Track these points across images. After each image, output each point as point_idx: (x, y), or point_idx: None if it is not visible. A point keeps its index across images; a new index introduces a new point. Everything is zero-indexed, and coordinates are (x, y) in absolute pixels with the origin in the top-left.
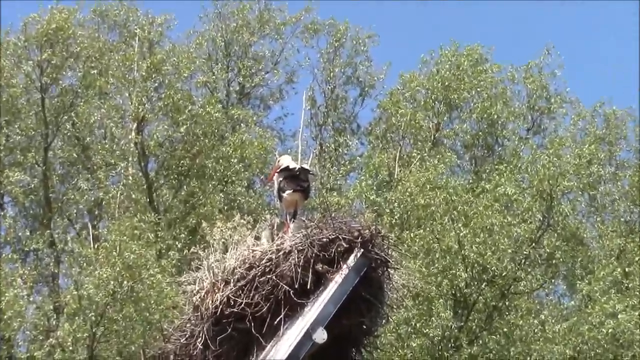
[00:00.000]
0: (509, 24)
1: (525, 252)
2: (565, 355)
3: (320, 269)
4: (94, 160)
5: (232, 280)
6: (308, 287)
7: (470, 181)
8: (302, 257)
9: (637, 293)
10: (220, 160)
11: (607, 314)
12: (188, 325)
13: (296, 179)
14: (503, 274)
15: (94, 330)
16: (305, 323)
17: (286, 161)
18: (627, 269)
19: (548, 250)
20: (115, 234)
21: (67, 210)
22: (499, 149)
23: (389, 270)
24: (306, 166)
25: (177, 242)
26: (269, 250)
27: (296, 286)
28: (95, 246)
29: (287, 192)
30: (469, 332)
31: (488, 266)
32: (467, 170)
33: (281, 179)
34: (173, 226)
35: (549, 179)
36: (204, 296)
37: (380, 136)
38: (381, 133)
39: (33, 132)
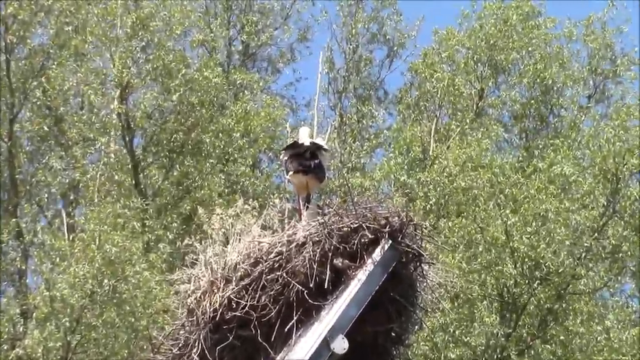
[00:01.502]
0: None
1: (586, 244)
2: None
3: (340, 264)
4: (68, 135)
5: (234, 278)
6: (325, 286)
7: (520, 159)
8: (318, 250)
9: None
10: (220, 135)
11: None
12: (181, 332)
13: (300, 157)
14: (559, 271)
15: (68, 339)
16: (322, 330)
17: (304, 135)
18: None
19: (613, 241)
20: (94, 222)
21: (36, 195)
22: (555, 120)
23: (422, 265)
24: (321, 141)
25: (168, 233)
26: (279, 242)
27: (311, 285)
28: (71, 237)
29: (290, 173)
30: (519, 340)
31: (541, 261)
32: (517, 145)
33: (286, 157)
34: (163, 213)
35: (614, 156)
36: (200, 297)
37: (412, 105)
38: (413, 101)
39: None
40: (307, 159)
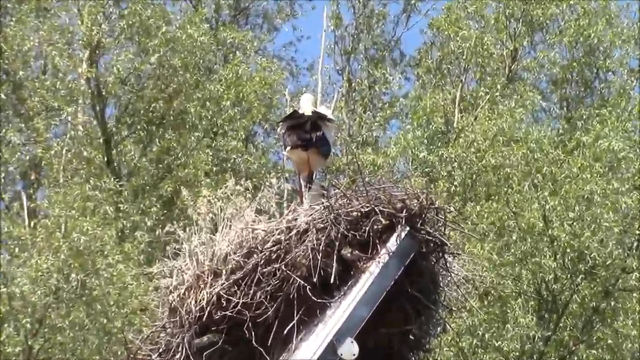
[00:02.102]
0: None
1: (638, 232)
2: None
3: (348, 255)
4: (29, 104)
5: (224, 272)
6: (331, 281)
7: (561, 132)
8: (322, 238)
9: None
10: (207, 103)
11: None
12: (162, 335)
13: (300, 129)
14: (607, 263)
15: (29, 343)
16: (328, 332)
17: (305, 104)
18: None
19: None
20: (59, 206)
21: None
22: (601, 85)
23: (445, 257)
24: (325, 110)
25: (146, 219)
26: (276, 229)
27: (314, 280)
28: (32, 224)
29: (288, 148)
30: (560, 344)
31: (586, 252)
32: (556, 116)
33: (284, 130)
34: (141, 196)
35: None
36: (184, 294)
37: (432, 69)
38: (434, 65)
39: None
40: (307, 132)
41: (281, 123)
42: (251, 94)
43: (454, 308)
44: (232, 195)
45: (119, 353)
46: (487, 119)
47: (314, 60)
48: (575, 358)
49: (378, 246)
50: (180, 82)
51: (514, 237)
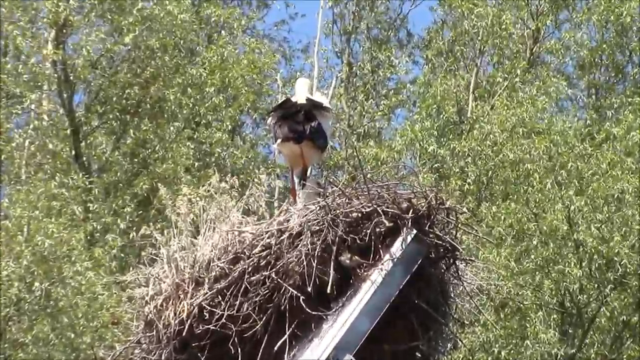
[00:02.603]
0: None
1: None
2: None
3: (347, 261)
4: None
5: (206, 280)
6: (328, 290)
7: (588, 123)
8: (318, 242)
9: None
10: (189, 90)
11: None
12: (137, 351)
13: (292, 120)
14: (639, 272)
15: None
16: (324, 348)
17: (301, 89)
18: None
19: None
20: (21, 206)
21: None
22: (634, 71)
23: (457, 263)
24: (321, 98)
25: (119, 220)
26: (266, 232)
27: (309, 289)
28: None
29: (278, 141)
30: None
31: (615, 259)
32: (583, 105)
33: (274, 121)
34: (113, 194)
35: None
36: (162, 305)
37: (444, 51)
38: (446, 46)
39: None
40: (300, 122)
41: (272, 113)
42: (238, 79)
43: (466, 322)
44: (216, 193)
45: None
46: (505, 108)
47: (310, 41)
48: None
49: (381, 251)
50: (158, 66)
51: (535, 242)
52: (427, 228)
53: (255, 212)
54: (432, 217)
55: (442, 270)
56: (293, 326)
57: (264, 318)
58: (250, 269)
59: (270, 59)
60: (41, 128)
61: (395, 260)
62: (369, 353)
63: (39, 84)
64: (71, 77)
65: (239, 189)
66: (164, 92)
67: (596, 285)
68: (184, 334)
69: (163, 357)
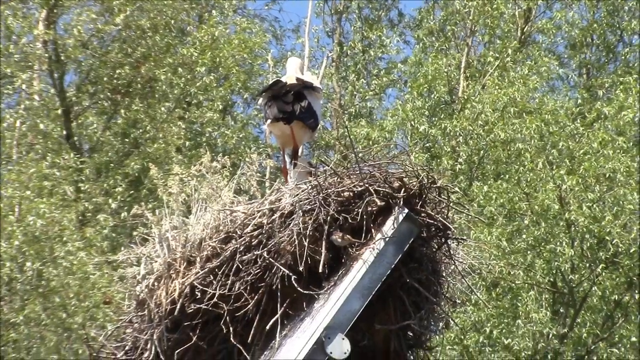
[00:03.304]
0: None
1: None
2: None
3: (339, 240)
4: None
5: (198, 259)
6: (320, 270)
7: (580, 102)
8: (310, 221)
9: None
10: (180, 70)
11: None
12: (129, 331)
13: (281, 100)
14: (631, 251)
15: None
16: (316, 328)
17: (292, 69)
18: None
19: None
20: (12, 186)
21: None
22: (625, 50)
23: (449, 243)
24: (311, 77)
25: (110, 200)
26: (258, 212)
27: (301, 269)
28: None
29: (268, 122)
30: (577, 342)
31: (607, 238)
32: (575, 84)
33: (264, 101)
34: (104, 174)
35: None
36: (154, 285)
37: (435, 31)
38: (437, 26)
39: None
40: (289, 103)
41: (263, 93)
42: (229, 59)
43: (458, 301)
44: (207, 173)
45: (80, 352)
46: (497, 87)
47: (301, 20)
48: (595, 358)
49: (372, 231)
50: (149, 46)
51: (526, 221)
52: (418, 207)
53: (247, 191)
54: (423, 196)
55: (434, 250)
56: (285, 305)
57: (256, 297)
58: (242, 248)
59: (261, 38)
60: (32, 108)
61: (387, 239)
62: (361, 333)
63: (30, 64)
64: (62, 57)
65: (231, 169)
66: (155, 72)
67: (588, 265)
68: (175, 313)
69: (155, 337)
